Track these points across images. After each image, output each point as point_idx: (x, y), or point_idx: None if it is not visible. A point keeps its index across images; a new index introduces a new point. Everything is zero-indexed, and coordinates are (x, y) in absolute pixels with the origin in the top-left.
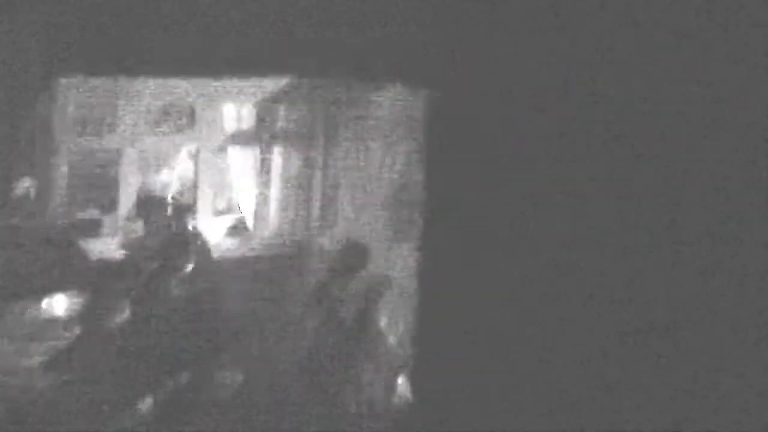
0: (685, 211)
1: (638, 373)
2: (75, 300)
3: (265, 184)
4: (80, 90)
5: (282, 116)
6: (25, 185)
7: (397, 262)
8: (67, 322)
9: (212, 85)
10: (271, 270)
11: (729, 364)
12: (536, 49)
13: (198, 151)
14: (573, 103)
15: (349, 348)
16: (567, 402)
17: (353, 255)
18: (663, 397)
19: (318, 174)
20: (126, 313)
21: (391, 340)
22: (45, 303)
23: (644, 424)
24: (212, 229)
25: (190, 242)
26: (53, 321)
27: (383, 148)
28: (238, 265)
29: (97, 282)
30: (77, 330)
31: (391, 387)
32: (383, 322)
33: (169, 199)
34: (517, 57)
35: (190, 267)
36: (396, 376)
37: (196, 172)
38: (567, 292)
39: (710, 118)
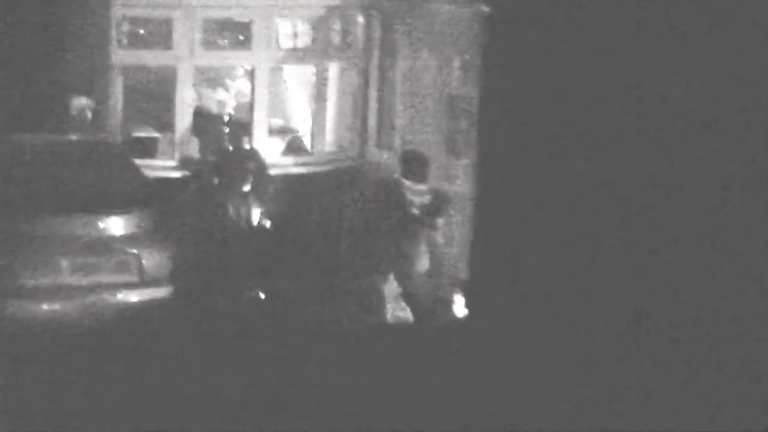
0: (686, 211)
1: (638, 372)
2: (130, 219)
3: (321, 100)
4: (136, 7)
5: (337, 32)
6: (82, 103)
7: (454, 174)
8: (123, 241)
9: (268, 1)
10: (330, 185)
11: (729, 364)
12: None
13: (254, 68)
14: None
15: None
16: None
17: (414, 166)
18: (663, 397)
19: (374, 88)
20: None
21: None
22: (102, 221)
23: (644, 424)
24: (269, 147)
25: (246, 161)
26: (110, 239)
27: (439, 60)
28: (296, 182)
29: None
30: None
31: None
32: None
33: (225, 118)
34: None
35: (247, 186)
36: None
37: (252, 90)
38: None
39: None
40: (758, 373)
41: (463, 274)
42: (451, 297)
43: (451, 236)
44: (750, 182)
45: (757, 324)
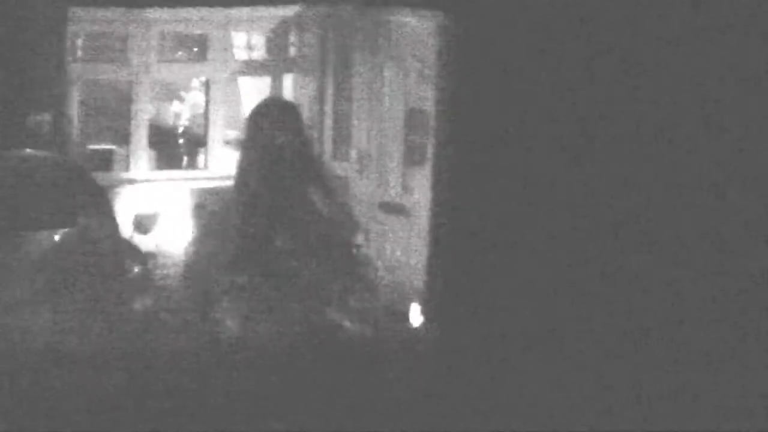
0: (685, 211)
1: (638, 373)
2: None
3: None
4: (91, 20)
5: (293, 44)
6: (39, 118)
7: (411, 188)
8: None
9: (223, 13)
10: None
11: (729, 364)
12: None
13: (209, 81)
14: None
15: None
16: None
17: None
18: (663, 397)
19: (330, 101)
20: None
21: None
22: (58, 237)
23: (644, 424)
24: (224, 158)
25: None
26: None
27: (395, 73)
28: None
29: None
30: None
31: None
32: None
33: (181, 130)
34: None
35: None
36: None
37: (207, 103)
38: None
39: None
40: (758, 373)
41: (419, 286)
42: (405, 309)
43: (408, 248)
44: (750, 182)
45: (757, 324)
